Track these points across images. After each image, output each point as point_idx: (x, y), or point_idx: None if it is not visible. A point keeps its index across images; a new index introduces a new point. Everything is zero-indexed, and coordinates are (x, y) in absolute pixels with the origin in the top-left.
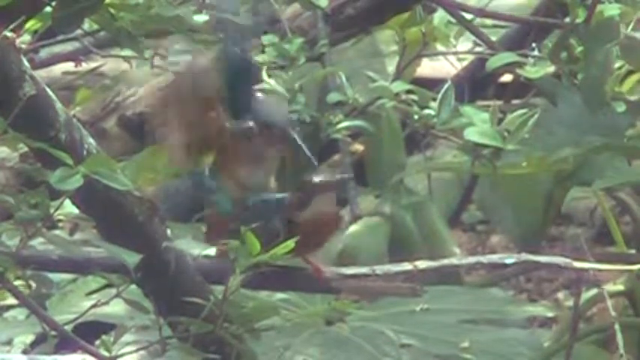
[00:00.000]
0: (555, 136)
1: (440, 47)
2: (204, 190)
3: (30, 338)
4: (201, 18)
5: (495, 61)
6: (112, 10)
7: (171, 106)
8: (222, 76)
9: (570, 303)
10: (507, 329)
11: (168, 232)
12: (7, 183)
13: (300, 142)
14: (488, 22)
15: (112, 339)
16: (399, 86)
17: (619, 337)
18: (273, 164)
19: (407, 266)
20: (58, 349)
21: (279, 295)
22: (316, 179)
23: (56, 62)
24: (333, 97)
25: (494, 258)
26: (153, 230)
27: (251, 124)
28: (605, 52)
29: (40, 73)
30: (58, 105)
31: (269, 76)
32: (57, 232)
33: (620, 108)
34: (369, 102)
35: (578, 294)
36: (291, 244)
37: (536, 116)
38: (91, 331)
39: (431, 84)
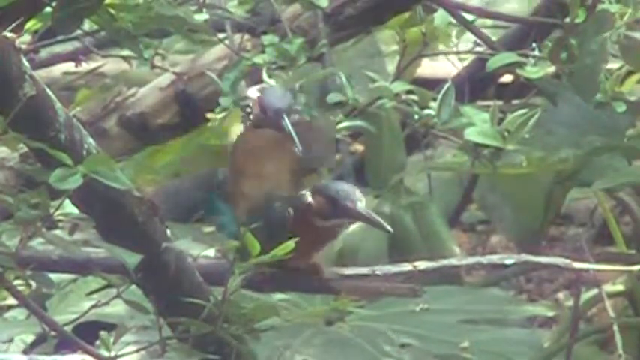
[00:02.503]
0: (555, 136)
1: (440, 47)
2: (213, 213)
3: (30, 338)
4: (201, 17)
5: (495, 61)
6: (111, 11)
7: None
8: None
9: (570, 303)
10: (507, 329)
11: (168, 232)
12: (7, 183)
13: (288, 131)
14: (489, 22)
15: (112, 339)
16: (399, 86)
17: (617, 337)
18: (284, 178)
19: (406, 266)
20: (58, 349)
21: (279, 296)
22: (353, 206)
23: (56, 62)
24: (333, 97)
25: (494, 258)
26: (153, 230)
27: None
28: (600, 42)
29: (40, 73)
30: (58, 105)
31: (269, 76)
32: (57, 232)
33: (620, 108)
34: (369, 102)
35: (577, 294)
36: (290, 244)
37: (536, 116)
38: (91, 331)
39: (431, 84)
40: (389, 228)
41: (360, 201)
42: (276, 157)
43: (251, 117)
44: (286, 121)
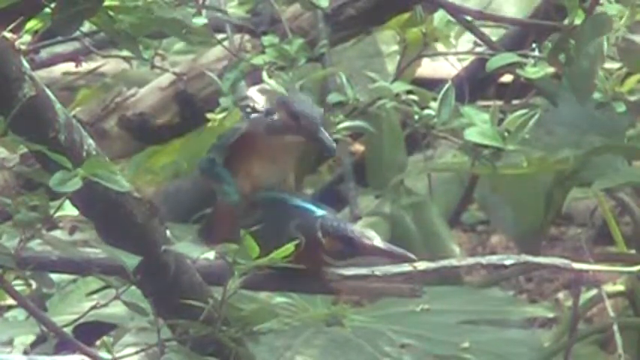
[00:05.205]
0: (555, 136)
1: (440, 48)
2: (213, 177)
3: (30, 338)
4: (200, 20)
5: (496, 62)
6: (111, 13)
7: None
8: None
9: (570, 303)
10: (507, 329)
11: (168, 233)
12: (7, 185)
13: (328, 142)
14: (489, 22)
15: (112, 340)
16: (399, 86)
17: (617, 337)
18: (291, 163)
19: (406, 267)
20: (58, 350)
21: (280, 298)
22: (371, 242)
23: (56, 63)
24: (334, 97)
25: (494, 259)
26: (152, 231)
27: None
28: (597, 45)
29: (40, 74)
30: (58, 106)
31: (269, 76)
32: (57, 232)
33: (620, 108)
34: (369, 102)
35: (577, 295)
36: (290, 247)
37: (536, 116)
38: (91, 331)
39: (431, 84)
40: (413, 257)
41: (375, 238)
42: (288, 152)
43: (269, 121)
44: (323, 132)
